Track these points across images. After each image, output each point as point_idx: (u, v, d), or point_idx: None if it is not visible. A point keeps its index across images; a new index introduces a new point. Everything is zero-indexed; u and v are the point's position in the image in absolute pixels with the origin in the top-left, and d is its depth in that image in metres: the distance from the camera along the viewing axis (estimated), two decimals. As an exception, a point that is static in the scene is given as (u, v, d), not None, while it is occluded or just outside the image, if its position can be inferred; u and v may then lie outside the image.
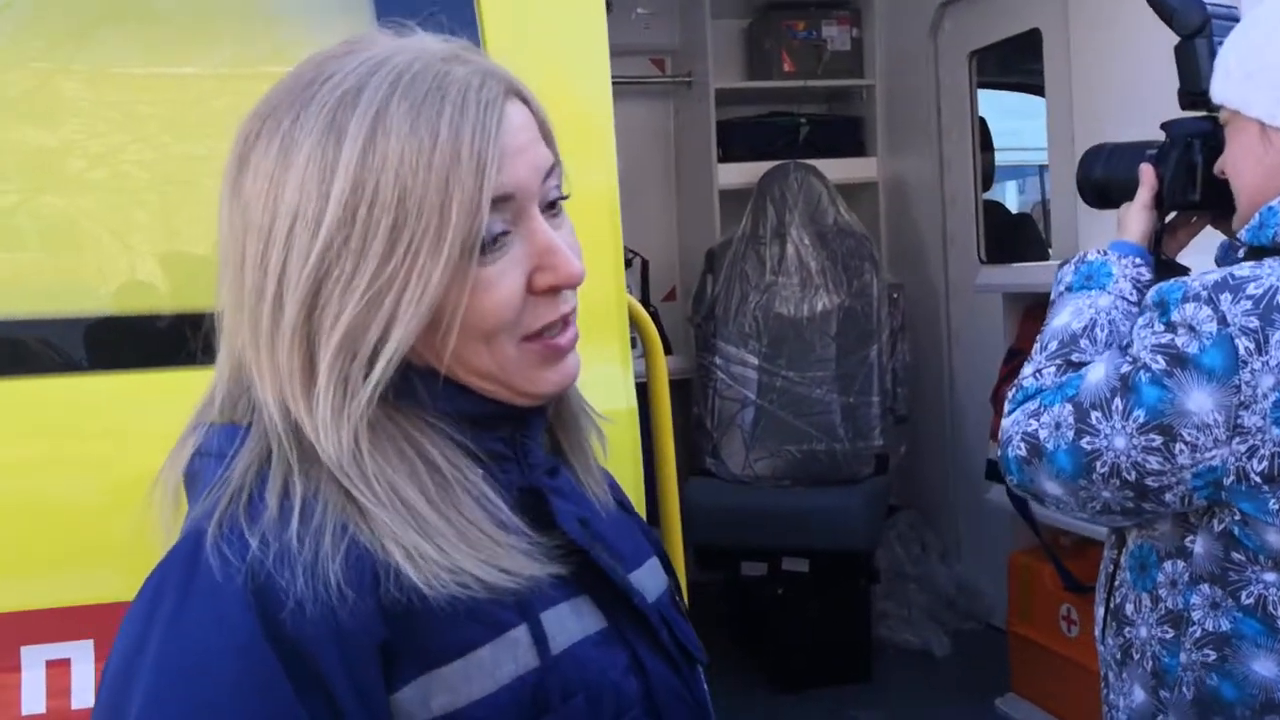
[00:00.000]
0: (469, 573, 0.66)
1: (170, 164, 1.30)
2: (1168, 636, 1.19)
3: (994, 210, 3.99)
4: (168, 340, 1.20)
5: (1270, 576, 1.12)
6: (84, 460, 1.17)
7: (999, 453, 1.25)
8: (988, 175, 3.78)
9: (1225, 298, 1.09)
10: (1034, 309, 3.17)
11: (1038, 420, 1.20)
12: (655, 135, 4.28)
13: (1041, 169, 5.77)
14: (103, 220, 1.28)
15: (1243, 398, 1.07)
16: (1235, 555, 1.13)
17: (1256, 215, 1.19)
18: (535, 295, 0.71)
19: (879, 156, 4.10)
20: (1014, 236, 3.87)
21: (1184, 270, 1.33)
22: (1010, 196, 8.17)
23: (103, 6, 1.32)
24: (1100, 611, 1.30)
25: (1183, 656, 1.17)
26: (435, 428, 0.71)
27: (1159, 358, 1.11)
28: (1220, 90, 1.25)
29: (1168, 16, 1.36)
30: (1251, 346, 1.07)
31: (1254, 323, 1.07)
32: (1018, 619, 3.04)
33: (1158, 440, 1.11)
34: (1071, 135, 2.90)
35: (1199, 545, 1.16)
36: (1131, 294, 1.30)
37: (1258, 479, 1.09)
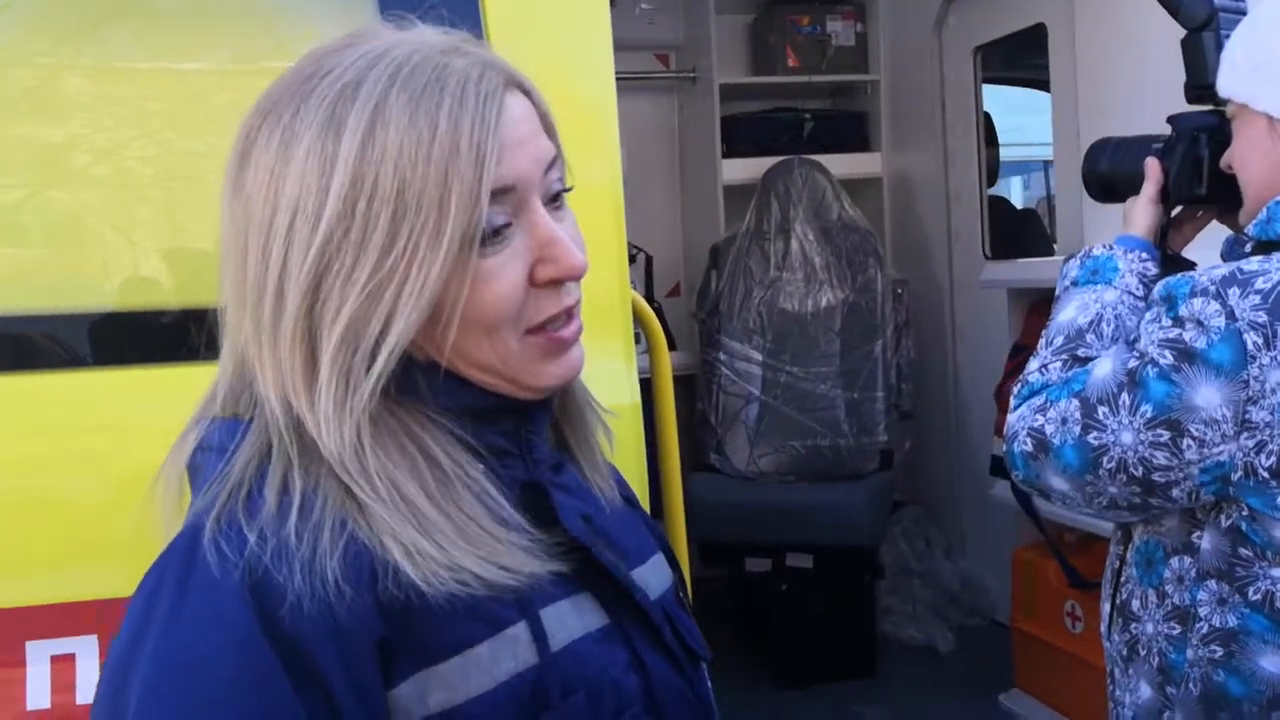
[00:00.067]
0: (467, 570, 0.66)
1: (173, 160, 1.30)
2: (1174, 633, 1.18)
3: (998, 206, 3.97)
4: (171, 336, 1.20)
5: (1278, 572, 1.11)
6: (88, 455, 1.17)
7: (1005, 448, 1.25)
8: (992, 170, 3.77)
9: (1233, 292, 1.09)
10: (1039, 304, 3.17)
11: (1044, 415, 1.19)
12: (659, 131, 4.28)
13: (1046, 164, 5.76)
14: (106, 216, 1.28)
15: (1251, 393, 1.07)
16: (1243, 551, 1.13)
17: (1264, 210, 1.19)
18: (537, 287, 0.71)
19: (883, 152, 4.09)
20: (1019, 232, 3.86)
21: (1190, 265, 1.33)
22: (1015, 192, 8.16)
23: (106, 3, 1.32)
24: (1106, 607, 1.30)
25: (1189, 653, 1.17)
26: (437, 423, 0.70)
27: (1166, 353, 1.10)
28: (1227, 84, 1.24)
29: (1174, 10, 1.36)
30: (1260, 341, 1.07)
31: (1262, 317, 1.07)
32: (1022, 615, 3.03)
33: (1165, 435, 1.10)
34: (1076, 130, 2.89)
35: (1206, 541, 1.15)
36: (1138, 289, 1.29)
37: (1266, 474, 1.08)
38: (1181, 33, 1.36)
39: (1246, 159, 1.23)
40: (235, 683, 0.62)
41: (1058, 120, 3.10)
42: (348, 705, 0.63)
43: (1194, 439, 1.09)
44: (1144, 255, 1.33)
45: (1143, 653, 1.22)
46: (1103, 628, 1.31)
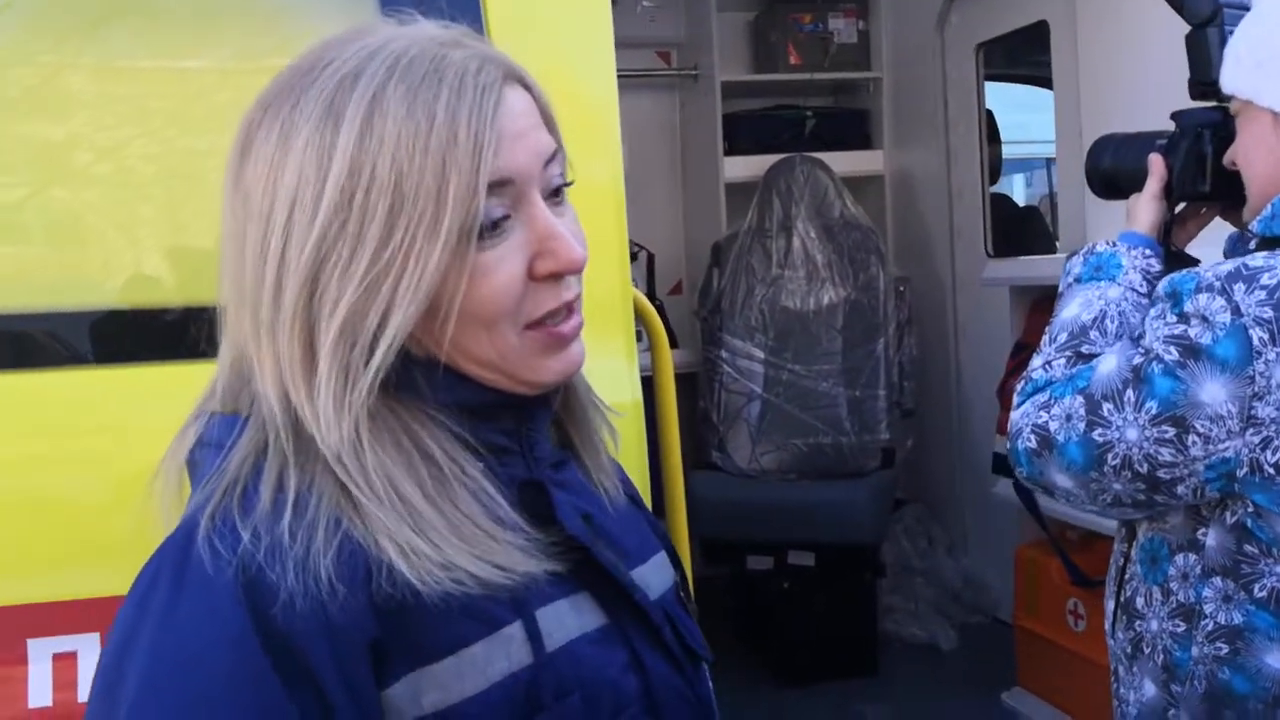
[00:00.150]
0: (462, 569, 0.65)
1: (175, 158, 1.30)
2: (1179, 630, 1.18)
3: (1001, 203, 3.97)
4: (173, 333, 1.20)
5: (1283, 569, 1.11)
6: (90, 453, 1.17)
7: (1008, 445, 1.25)
8: (995, 168, 3.77)
9: (1239, 288, 1.08)
10: (1041, 302, 3.17)
11: (1048, 412, 1.19)
12: (661, 128, 4.28)
13: (1049, 162, 5.76)
14: (107, 214, 1.28)
15: (1256, 388, 1.06)
16: (1248, 548, 1.12)
17: (1269, 206, 1.19)
18: (537, 281, 0.70)
19: (885, 149, 4.09)
20: (1021, 229, 3.86)
21: (1194, 261, 1.33)
22: (1017, 189, 8.16)
23: (107, 1, 1.32)
24: (1110, 605, 1.30)
25: (1194, 650, 1.16)
26: (435, 420, 0.70)
27: (1172, 349, 1.10)
28: (1231, 80, 1.24)
29: (1178, 5, 1.36)
30: (1265, 337, 1.06)
31: (1268, 313, 1.07)
32: (1024, 613, 3.03)
33: (1170, 432, 1.10)
34: (1079, 128, 2.88)
35: (1211, 538, 1.15)
36: (1141, 285, 1.29)
37: (1271, 470, 1.08)
38: (1185, 29, 1.36)
39: (1251, 155, 1.23)
40: (228, 680, 0.62)
41: (1060, 117, 3.10)
42: (340, 704, 0.63)
43: (1199, 435, 1.09)
44: (1148, 252, 1.32)
45: (1147, 650, 1.22)
46: (1107, 626, 1.31)
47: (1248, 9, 1.29)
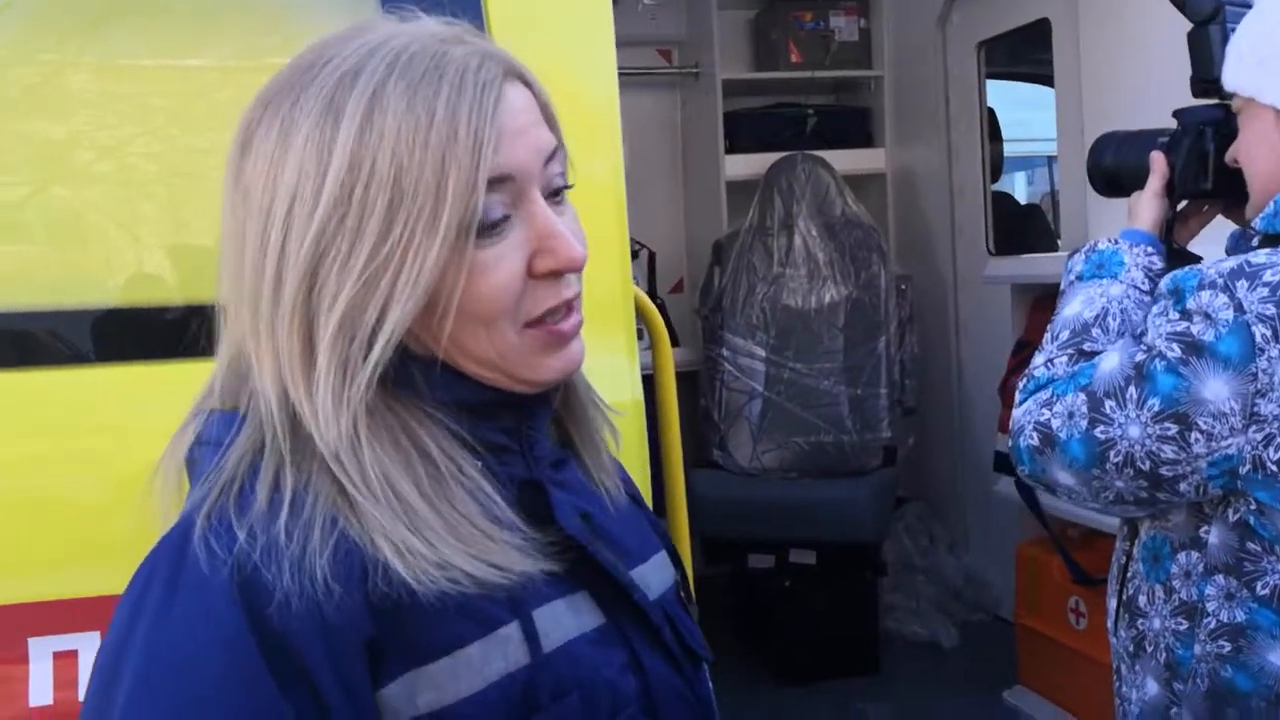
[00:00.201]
0: (458, 568, 0.65)
1: (176, 156, 1.30)
2: (1181, 628, 1.18)
3: (1002, 201, 3.97)
4: (175, 332, 1.20)
5: (1285, 567, 1.11)
6: (91, 451, 1.17)
7: (1010, 443, 1.25)
8: (996, 166, 3.76)
9: (1242, 285, 1.08)
10: (1042, 300, 3.17)
11: (1050, 410, 1.19)
12: (662, 126, 4.28)
13: (1050, 160, 5.76)
14: (109, 212, 1.28)
15: (1259, 385, 1.06)
16: (1250, 545, 1.12)
17: (1271, 203, 1.19)
18: (536, 279, 0.70)
19: (887, 147, 4.09)
20: (1022, 227, 3.86)
21: (1196, 259, 1.32)
22: (1019, 187, 8.15)
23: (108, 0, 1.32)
24: (1112, 604, 1.30)
25: (1197, 648, 1.16)
26: (433, 418, 0.70)
27: (1174, 346, 1.10)
28: (1233, 77, 1.24)
29: (1180, 3, 1.35)
30: (1268, 334, 1.06)
31: (1271, 310, 1.06)
32: (1026, 611, 3.03)
33: (1173, 429, 1.10)
34: (1081, 126, 2.88)
35: (1214, 536, 1.15)
36: (1143, 282, 1.29)
37: (1274, 468, 1.08)
38: (1187, 26, 1.36)
39: (1253, 152, 1.23)
40: (223, 681, 0.62)
41: (1062, 115, 3.09)
42: (336, 704, 0.63)
43: (1202, 432, 1.09)
44: (1149, 249, 1.32)
45: (1149, 649, 1.22)
46: (1109, 624, 1.31)
47: (1249, 7, 1.29)
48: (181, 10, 1.32)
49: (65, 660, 1.10)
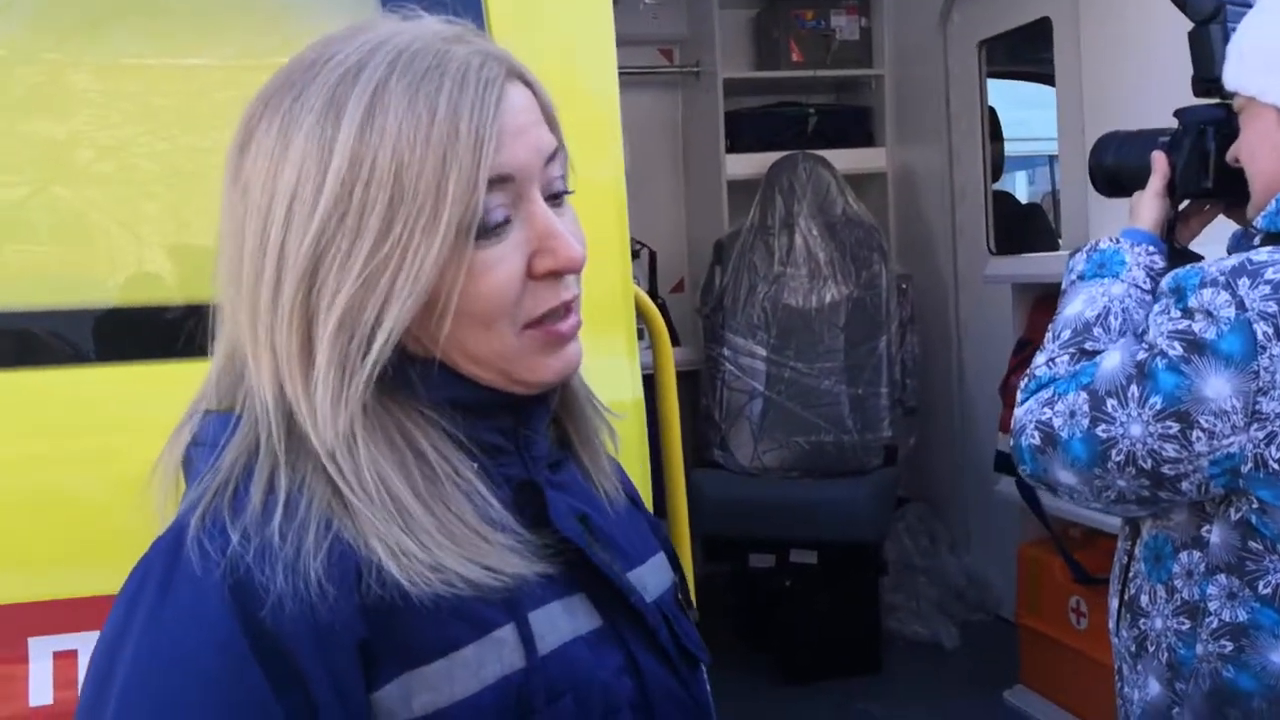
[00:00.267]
0: (452, 570, 0.65)
1: (178, 155, 1.30)
2: (1184, 628, 1.18)
3: (1003, 200, 3.97)
4: (177, 331, 1.20)
5: (1287, 566, 1.11)
6: (92, 451, 1.17)
7: (1012, 442, 1.24)
8: (997, 165, 3.76)
9: (1243, 283, 1.08)
10: (1043, 300, 3.16)
11: (1052, 409, 1.19)
12: (663, 126, 4.28)
13: (1051, 159, 5.75)
14: (111, 212, 1.28)
15: (1261, 383, 1.06)
16: (1252, 544, 1.12)
17: (1273, 201, 1.19)
18: (535, 280, 0.70)
19: (888, 147, 4.08)
20: (1023, 227, 3.86)
21: (1197, 258, 1.32)
22: (1020, 187, 8.15)
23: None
24: (1114, 604, 1.30)
25: (1199, 648, 1.16)
26: (429, 419, 0.70)
27: (1176, 344, 1.10)
28: (1234, 77, 1.24)
29: (1181, 2, 1.35)
30: (1270, 331, 1.06)
31: (1273, 308, 1.06)
32: (1027, 611, 3.03)
33: (1175, 427, 1.10)
34: (1082, 125, 2.88)
35: (1215, 535, 1.15)
36: (1145, 282, 1.29)
37: (1276, 466, 1.08)
38: (1188, 26, 1.35)
39: (1255, 152, 1.23)
40: (216, 683, 0.62)
41: (1063, 114, 3.09)
42: (328, 706, 0.63)
43: (1203, 430, 1.08)
44: (1151, 249, 1.32)
45: (1151, 649, 1.22)
46: (1111, 624, 1.31)
47: (1250, 6, 1.29)
48: (183, 9, 1.32)
49: (65, 660, 1.10)
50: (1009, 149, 4.08)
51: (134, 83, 1.30)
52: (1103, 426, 1.14)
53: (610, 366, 1.29)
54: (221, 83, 1.31)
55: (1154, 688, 1.22)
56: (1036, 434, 1.20)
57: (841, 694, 3.22)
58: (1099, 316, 1.26)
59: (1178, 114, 1.38)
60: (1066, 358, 1.25)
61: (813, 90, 4.18)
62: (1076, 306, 1.29)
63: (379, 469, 0.66)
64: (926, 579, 3.68)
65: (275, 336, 0.67)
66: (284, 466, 0.66)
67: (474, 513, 0.68)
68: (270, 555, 0.63)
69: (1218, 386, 1.07)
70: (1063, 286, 1.36)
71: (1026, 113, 5.24)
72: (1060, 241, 3.59)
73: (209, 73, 1.32)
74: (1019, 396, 1.26)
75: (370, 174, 0.65)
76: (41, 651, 1.10)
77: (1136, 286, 1.28)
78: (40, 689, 1.09)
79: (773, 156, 3.74)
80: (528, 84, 0.72)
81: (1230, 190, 1.30)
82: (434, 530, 0.66)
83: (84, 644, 1.10)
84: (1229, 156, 1.30)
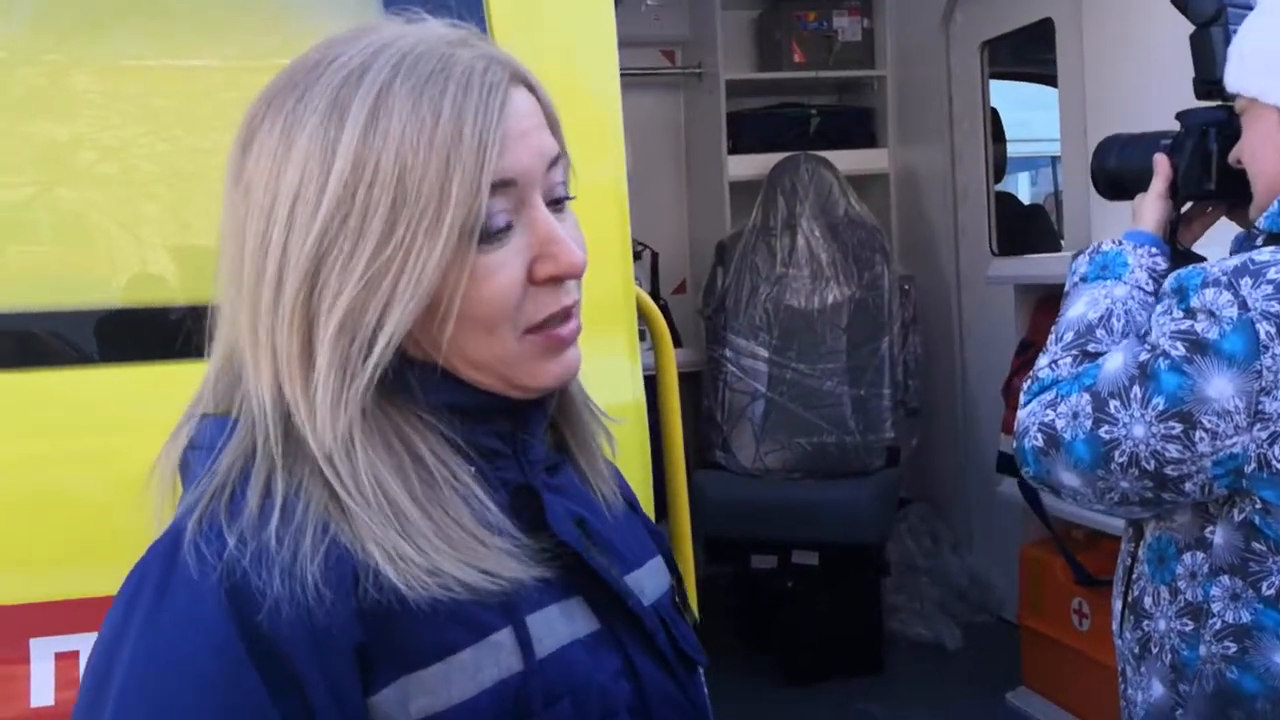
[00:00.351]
0: (449, 574, 0.65)
1: (179, 156, 1.30)
2: (1187, 629, 1.18)
3: (1006, 201, 3.97)
4: (178, 332, 1.20)
5: (1291, 567, 1.11)
6: (94, 452, 1.17)
7: (1015, 444, 1.24)
8: (1000, 166, 3.76)
9: (1245, 282, 1.08)
10: (1046, 301, 3.16)
11: (1054, 410, 1.19)
12: (665, 127, 4.28)
13: (1054, 160, 5.75)
14: (112, 213, 1.28)
15: (1264, 383, 1.06)
16: (1256, 545, 1.12)
17: (1275, 202, 1.18)
18: (536, 285, 0.70)
19: (890, 148, 4.08)
20: (1026, 228, 3.86)
21: (1200, 260, 1.32)
22: (1022, 188, 8.15)
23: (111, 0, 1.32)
24: (1118, 605, 1.29)
25: (1202, 649, 1.16)
26: (426, 423, 0.70)
27: (1178, 344, 1.10)
28: (1236, 79, 1.24)
29: (1182, 5, 1.35)
30: (1273, 331, 1.06)
31: (1275, 307, 1.06)
32: (1029, 612, 3.03)
33: (1177, 428, 1.10)
34: (1084, 126, 2.88)
35: (1219, 536, 1.15)
36: (1148, 284, 1.29)
37: (1279, 466, 1.08)
38: (1190, 28, 1.35)
39: (1257, 153, 1.23)
40: (213, 686, 0.62)
41: (1065, 115, 3.09)
42: (325, 710, 0.62)
43: (1206, 431, 1.08)
44: (1154, 250, 1.32)
45: (1155, 650, 1.22)
46: (1114, 626, 1.30)
47: (1251, 8, 1.29)
48: (183, 11, 1.33)
49: (67, 661, 1.10)
50: (1011, 150, 4.08)
51: (135, 84, 1.30)
52: (1106, 428, 1.14)
53: (612, 367, 1.29)
54: (222, 84, 1.31)
55: (1157, 689, 1.22)
56: (1039, 436, 1.20)
57: (843, 695, 3.22)
58: (1101, 318, 1.26)
59: (1179, 116, 1.38)
60: (1069, 360, 1.25)
61: (815, 91, 4.18)
62: (1079, 308, 1.29)
63: (376, 473, 0.66)
64: (929, 580, 3.68)
65: (276, 338, 0.67)
66: (281, 470, 0.66)
67: (471, 517, 0.68)
68: (267, 559, 0.63)
69: (1220, 386, 1.07)
70: (1065, 289, 1.36)
71: (1029, 114, 5.23)
72: (1062, 242, 3.59)
73: (210, 74, 1.32)
74: (1022, 399, 1.26)
75: (374, 176, 0.65)
76: (43, 652, 1.10)
77: (1139, 288, 1.28)
78: (42, 690, 1.09)
79: (775, 157, 3.74)
80: (531, 89, 0.72)
81: (1232, 192, 1.30)
82: (431, 535, 0.66)
83: (86, 645, 1.10)
84: (1231, 158, 1.30)
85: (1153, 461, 1.12)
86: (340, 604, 0.63)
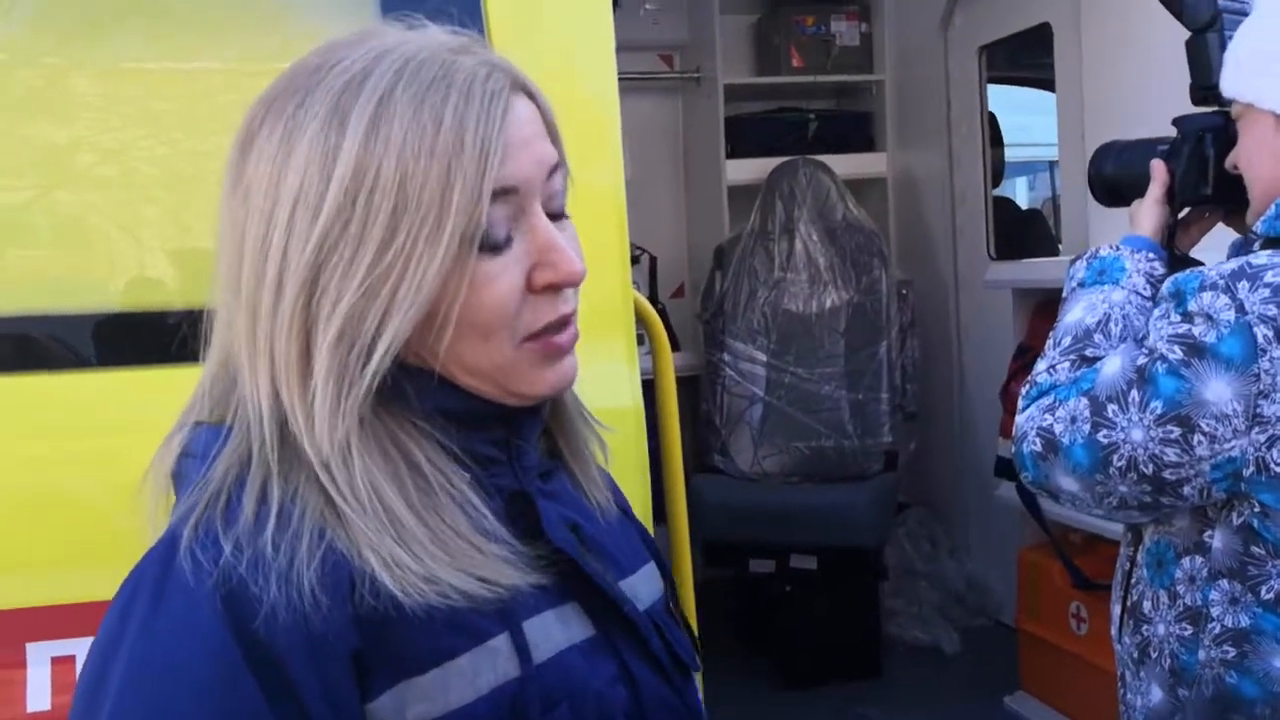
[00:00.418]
0: (446, 581, 0.65)
1: (179, 160, 1.30)
2: (1186, 634, 1.18)
3: (1004, 206, 3.97)
4: (177, 336, 1.20)
5: (1290, 571, 1.11)
6: (92, 456, 1.17)
7: (1013, 449, 1.24)
8: (997, 171, 3.77)
9: (1243, 286, 1.08)
10: (1044, 305, 3.16)
11: (1053, 415, 1.19)
12: (664, 131, 4.28)
13: (1052, 164, 5.75)
14: (112, 216, 1.28)
15: (1262, 386, 1.06)
16: (1255, 549, 1.12)
17: (1272, 206, 1.19)
18: (535, 293, 0.70)
19: (888, 152, 4.09)
20: (1024, 232, 3.86)
21: (1197, 265, 1.32)
22: (1020, 192, 8.15)
23: (112, 2, 1.32)
24: (1117, 610, 1.29)
25: (1201, 654, 1.16)
26: (423, 430, 0.69)
27: (1176, 348, 1.10)
28: (1232, 84, 1.24)
29: (1178, 11, 1.36)
30: (1270, 334, 1.06)
31: (1273, 310, 1.06)
32: (1027, 616, 3.03)
33: (1176, 432, 1.10)
34: (1082, 130, 2.88)
35: (1218, 540, 1.15)
36: (1145, 289, 1.29)
37: (1278, 469, 1.08)
38: (1186, 33, 1.36)
39: (1253, 158, 1.23)
40: (209, 692, 0.61)
41: (1063, 120, 3.10)
42: (322, 717, 0.62)
43: (1205, 434, 1.08)
44: (1151, 255, 1.32)
45: (1154, 655, 1.22)
46: (1113, 630, 1.30)
47: (1247, 14, 1.29)
48: (183, 13, 1.33)
49: (63, 665, 1.10)
50: (1009, 154, 4.09)
51: (134, 86, 1.30)
52: (1104, 432, 1.14)
53: (610, 372, 1.29)
54: (222, 86, 1.31)
55: (1156, 694, 1.21)
56: (1038, 440, 1.20)
57: (841, 699, 3.22)
58: (1099, 323, 1.26)
59: (1176, 122, 1.38)
60: (1067, 364, 1.25)
61: (813, 95, 4.18)
62: (1077, 313, 1.29)
63: (373, 480, 0.66)
64: (927, 584, 3.68)
65: (274, 343, 0.66)
66: (276, 476, 0.66)
67: (467, 524, 0.68)
68: (263, 565, 0.62)
69: (1218, 390, 1.07)
70: (1063, 294, 1.36)
71: (1027, 118, 5.24)
72: (1060, 247, 3.59)
73: (209, 76, 1.33)
74: (1020, 404, 1.26)
75: (374, 183, 0.65)
76: (40, 657, 1.10)
77: (1137, 293, 1.29)
78: (38, 694, 1.09)
79: (773, 162, 3.74)
80: (531, 96, 0.72)
81: (1229, 197, 1.31)
82: (427, 541, 0.66)
83: (82, 649, 1.09)
84: (1228, 163, 1.30)
85: (1151, 465, 1.12)
86: (336, 610, 0.63)
